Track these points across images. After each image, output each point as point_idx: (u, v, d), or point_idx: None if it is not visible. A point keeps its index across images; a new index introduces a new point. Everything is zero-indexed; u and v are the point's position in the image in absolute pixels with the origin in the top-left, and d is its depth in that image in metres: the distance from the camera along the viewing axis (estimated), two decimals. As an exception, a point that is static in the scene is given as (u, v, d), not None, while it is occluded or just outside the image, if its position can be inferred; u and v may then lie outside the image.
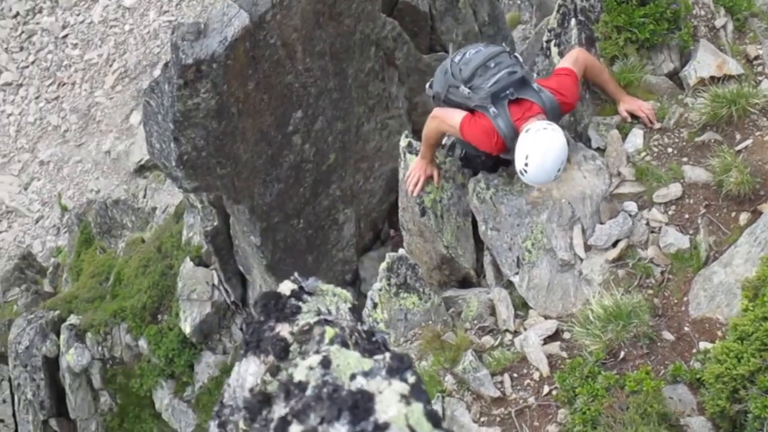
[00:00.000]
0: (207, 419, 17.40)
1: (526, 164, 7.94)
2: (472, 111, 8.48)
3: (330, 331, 3.16)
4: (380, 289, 8.29)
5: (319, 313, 3.27)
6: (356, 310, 3.58)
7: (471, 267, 9.18)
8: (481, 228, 8.89)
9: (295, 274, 3.45)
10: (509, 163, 8.68)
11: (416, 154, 9.29)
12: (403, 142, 9.51)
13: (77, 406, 17.97)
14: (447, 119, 8.60)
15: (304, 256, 15.11)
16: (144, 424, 18.29)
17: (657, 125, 9.01)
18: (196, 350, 17.68)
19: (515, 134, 8.21)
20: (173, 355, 17.54)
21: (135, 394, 17.99)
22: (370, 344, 3.33)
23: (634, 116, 9.04)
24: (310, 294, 3.41)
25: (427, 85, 9.21)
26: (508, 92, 8.22)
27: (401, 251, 8.53)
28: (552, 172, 8.07)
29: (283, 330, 3.23)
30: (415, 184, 9.10)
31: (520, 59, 8.61)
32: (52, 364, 18.07)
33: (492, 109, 8.22)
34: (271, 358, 3.15)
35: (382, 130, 15.49)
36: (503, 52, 8.55)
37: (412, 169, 9.18)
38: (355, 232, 16.20)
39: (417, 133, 16.42)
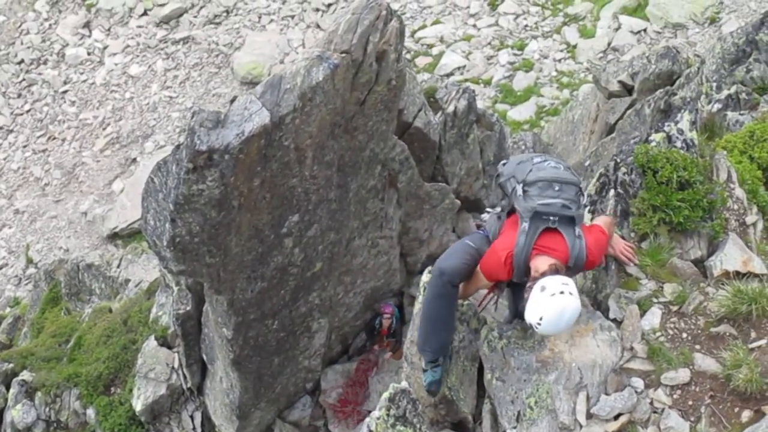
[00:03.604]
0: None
1: (539, 323, 7.90)
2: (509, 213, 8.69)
3: None
4: (378, 418, 8.22)
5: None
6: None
7: (469, 412, 9.17)
8: (487, 376, 8.88)
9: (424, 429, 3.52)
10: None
11: None
12: (425, 277, 9.49)
13: (13, 464, 17.67)
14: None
15: (271, 357, 15.04)
16: (76, 495, 17.97)
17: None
18: (143, 430, 17.44)
19: (525, 261, 8.23)
20: (119, 430, 17.30)
21: (73, 463, 17.72)
22: None
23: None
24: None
25: (501, 163, 9.14)
26: (551, 219, 8.26)
27: (404, 384, 8.51)
28: (564, 330, 8.08)
29: None
30: None
31: (583, 201, 8.64)
32: (-5, 416, 17.85)
33: (525, 224, 8.26)
34: None
35: (372, 248, 15.56)
36: (575, 184, 8.54)
37: None
38: (325, 343, 16.17)
39: (403, 257, 16.64)
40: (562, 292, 7.85)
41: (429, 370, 9.10)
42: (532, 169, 8.52)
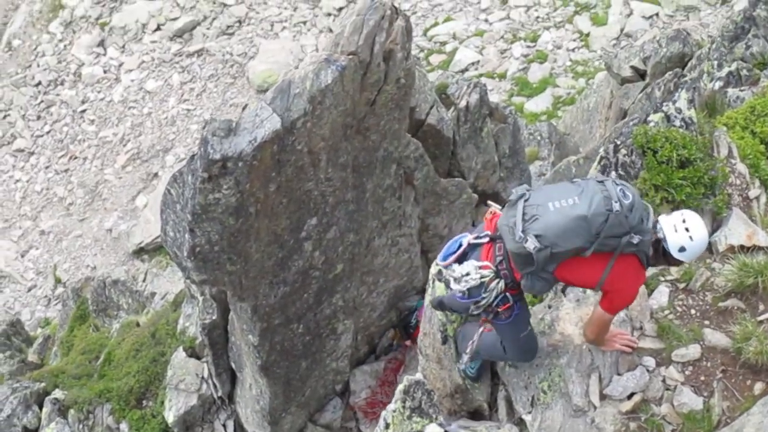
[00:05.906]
0: None
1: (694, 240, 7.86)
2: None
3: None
4: (394, 410, 8.28)
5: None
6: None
7: (485, 400, 9.22)
8: (500, 363, 8.93)
9: (441, 418, 3.67)
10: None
11: (445, 283, 9.23)
12: (434, 269, 9.50)
13: (49, 482, 17.78)
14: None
15: (298, 361, 15.11)
16: None
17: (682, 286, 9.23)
18: (176, 441, 17.56)
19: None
20: (152, 443, 17.42)
21: (109, 477, 17.81)
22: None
23: None
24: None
25: (535, 244, 7.85)
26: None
27: (418, 375, 8.56)
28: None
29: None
30: None
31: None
32: (30, 436, 17.95)
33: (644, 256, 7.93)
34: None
35: (392, 246, 15.61)
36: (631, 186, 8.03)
37: None
38: (351, 344, 16.22)
39: (424, 254, 16.66)
40: (684, 221, 7.89)
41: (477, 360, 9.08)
42: (627, 216, 7.70)
